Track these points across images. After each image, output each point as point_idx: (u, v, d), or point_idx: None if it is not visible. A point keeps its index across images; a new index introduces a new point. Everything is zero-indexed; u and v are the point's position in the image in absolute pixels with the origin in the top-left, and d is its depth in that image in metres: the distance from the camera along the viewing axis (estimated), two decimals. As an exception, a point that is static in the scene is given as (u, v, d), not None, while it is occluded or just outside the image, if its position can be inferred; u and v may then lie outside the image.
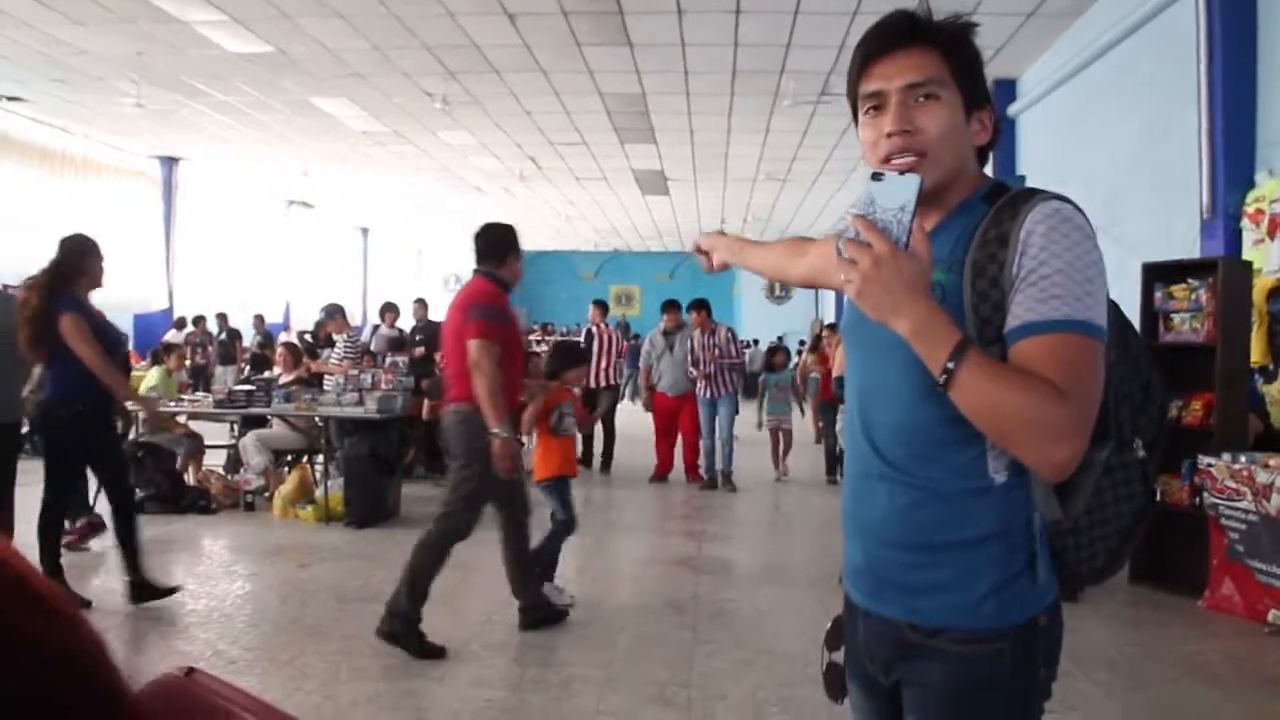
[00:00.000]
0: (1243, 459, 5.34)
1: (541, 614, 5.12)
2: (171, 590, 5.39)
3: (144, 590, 5.28)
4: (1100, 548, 1.53)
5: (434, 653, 4.58)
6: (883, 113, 1.52)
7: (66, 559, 5.51)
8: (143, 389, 9.01)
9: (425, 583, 4.70)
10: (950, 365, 1.32)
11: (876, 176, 1.38)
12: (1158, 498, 1.58)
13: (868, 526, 1.59)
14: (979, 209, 1.49)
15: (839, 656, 1.77)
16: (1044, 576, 1.49)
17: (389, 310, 13.76)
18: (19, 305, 5.21)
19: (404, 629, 4.60)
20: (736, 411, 10.05)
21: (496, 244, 5.14)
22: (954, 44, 1.52)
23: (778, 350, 11.47)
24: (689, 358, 10.01)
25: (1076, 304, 1.35)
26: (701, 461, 10.17)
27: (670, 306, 10.57)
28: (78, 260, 5.27)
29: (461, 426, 4.79)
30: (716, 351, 9.86)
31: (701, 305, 10.14)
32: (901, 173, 1.38)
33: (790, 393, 11.21)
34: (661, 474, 10.57)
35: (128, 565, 5.29)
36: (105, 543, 6.37)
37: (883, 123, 1.52)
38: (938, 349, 1.34)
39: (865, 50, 1.56)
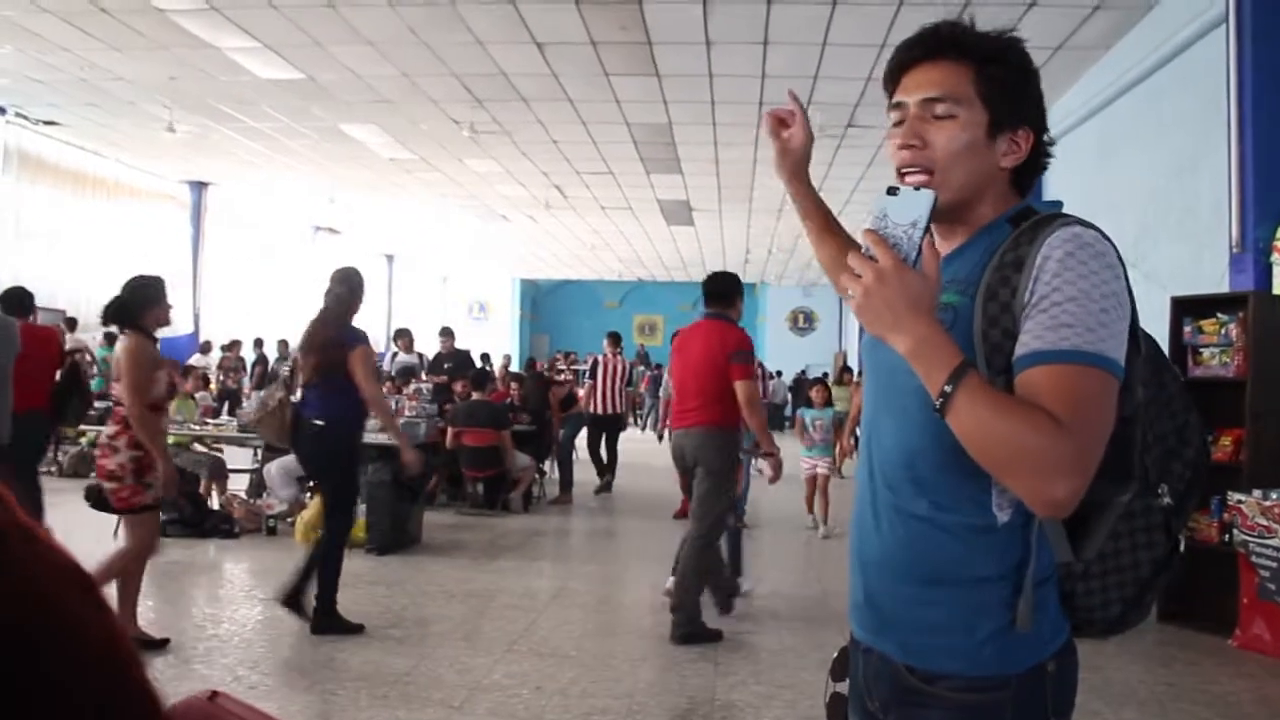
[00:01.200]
0: (1274, 495, 5.28)
1: (694, 629, 5.45)
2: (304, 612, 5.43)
3: (294, 600, 5.39)
4: (1114, 596, 1.46)
5: (716, 636, 5.43)
6: (903, 125, 1.49)
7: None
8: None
9: (713, 580, 5.68)
10: (948, 388, 1.26)
11: (892, 190, 1.35)
12: (1182, 548, 1.49)
13: (868, 559, 1.54)
14: (1003, 231, 1.44)
15: (843, 688, 1.71)
16: (1030, 619, 1.40)
17: (401, 336, 13.80)
18: (309, 335, 5.64)
19: (699, 627, 5.44)
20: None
21: (728, 289, 5.78)
22: (990, 60, 1.47)
23: (815, 383, 10.10)
24: None
25: (1089, 334, 1.28)
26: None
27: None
28: (360, 294, 5.73)
29: (714, 446, 5.53)
30: None
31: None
32: (917, 188, 1.35)
33: (833, 434, 9.72)
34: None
35: (299, 580, 5.44)
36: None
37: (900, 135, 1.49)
38: (936, 370, 1.28)
39: (895, 61, 1.53)
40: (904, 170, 1.46)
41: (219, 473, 8.98)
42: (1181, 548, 1.50)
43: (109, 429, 4.90)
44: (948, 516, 1.42)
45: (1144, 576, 1.44)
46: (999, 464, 1.27)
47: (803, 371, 25.65)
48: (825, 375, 18.08)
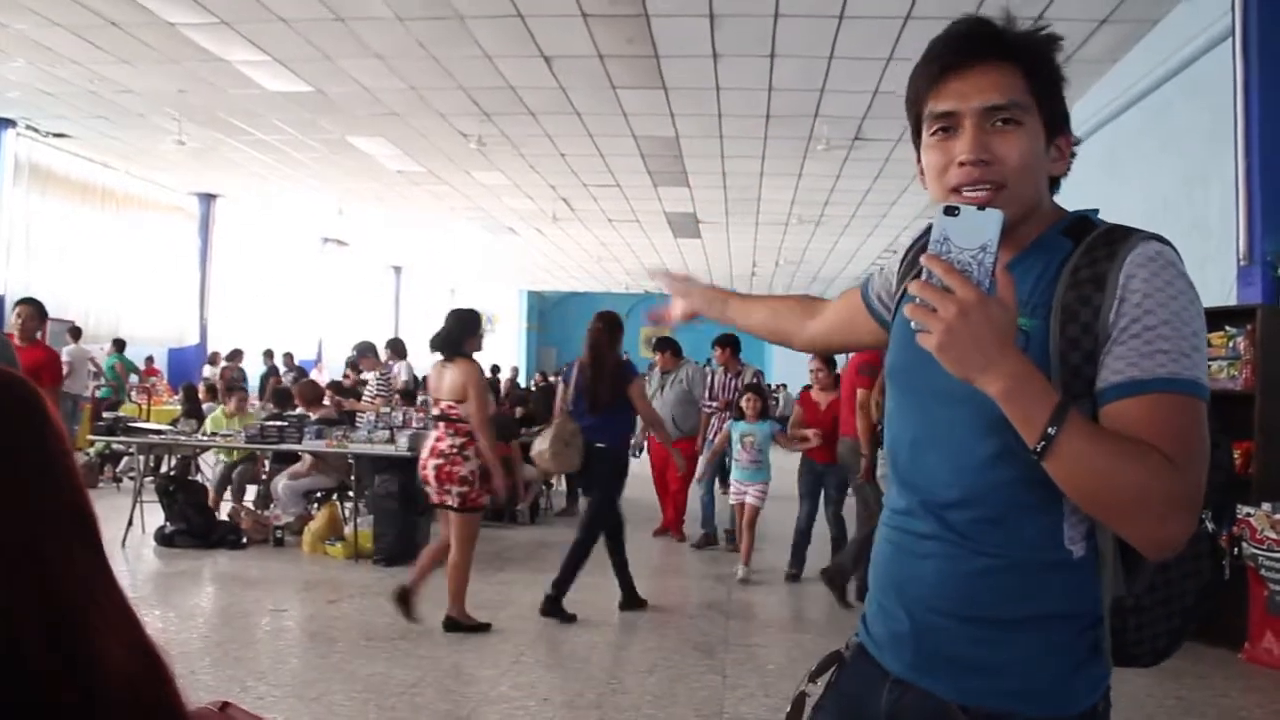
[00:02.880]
0: (1283, 509, 5.26)
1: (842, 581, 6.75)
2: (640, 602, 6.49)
3: (632, 598, 6.50)
4: (1163, 628, 1.39)
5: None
6: (953, 136, 1.35)
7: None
8: (209, 428, 9.21)
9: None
10: (1051, 430, 1.16)
11: (951, 211, 1.21)
12: (1226, 575, 1.42)
13: (914, 591, 1.42)
14: (1060, 245, 1.34)
15: (812, 689, 1.61)
16: (1105, 659, 1.35)
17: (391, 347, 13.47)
18: (594, 374, 6.37)
19: (842, 579, 6.72)
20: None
21: None
22: (1040, 60, 1.37)
23: (747, 391, 8.12)
24: (707, 395, 9.30)
25: (1185, 360, 1.20)
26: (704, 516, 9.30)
27: (664, 345, 9.59)
28: (620, 333, 6.56)
29: (854, 452, 6.91)
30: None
31: (729, 342, 9.39)
32: (980, 207, 1.22)
33: (768, 454, 7.87)
34: (665, 528, 9.64)
35: (619, 579, 6.48)
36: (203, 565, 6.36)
37: (953, 147, 1.34)
38: (1037, 412, 1.17)
39: (940, 62, 1.37)
40: (963, 188, 1.33)
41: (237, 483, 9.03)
42: (1226, 574, 1.44)
43: (457, 440, 5.63)
44: (1018, 553, 1.33)
45: (1189, 606, 1.38)
46: (1111, 507, 1.19)
47: (807, 388, 25.50)
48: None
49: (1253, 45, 6.20)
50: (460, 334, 5.78)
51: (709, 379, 9.43)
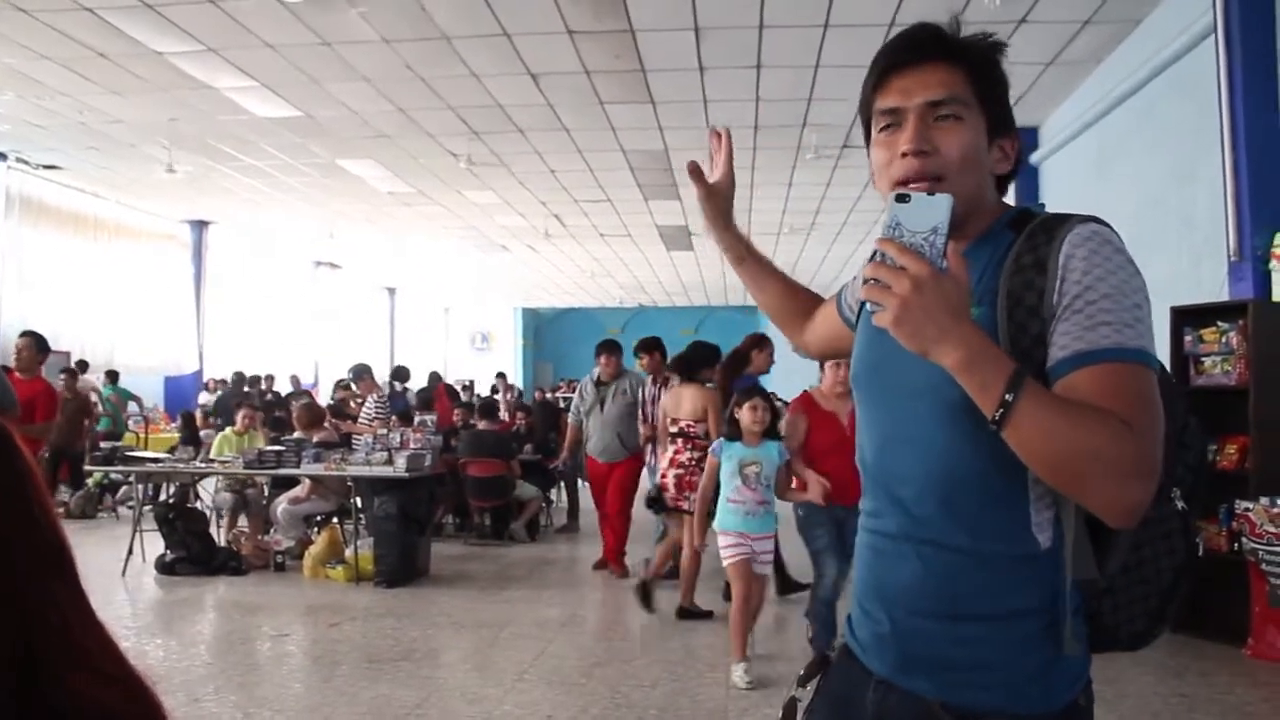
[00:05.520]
0: (1281, 503, 5.26)
1: None
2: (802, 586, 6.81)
3: (788, 584, 7.13)
4: (1139, 610, 1.39)
5: None
6: (898, 131, 1.40)
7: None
8: (217, 447, 9.20)
9: None
10: (1009, 397, 1.17)
11: (902, 198, 1.25)
12: (1200, 552, 1.41)
13: (891, 592, 1.43)
14: (1004, 237, 1.38)
15: (802, 693, 1.62)
16: (1078, 647, 1.35)
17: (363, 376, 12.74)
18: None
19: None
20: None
21: None
22: (981, 63, 1.41)
23: (750, 394, 5.42)
24: (640, 412, 7.95)
25: (1128, 330, 1.23)
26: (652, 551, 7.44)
27: (607, 349, 8.40)
28: (749, 350, 7.23)
29: None
30: None
31: (655, 347, 8.11)
32: (930, 192, 1.26)
33: (781, 487, 5.35)
34: (605, 559, 8.15)
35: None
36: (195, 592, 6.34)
37: (898, 142, 1.39)
38: (993, 380, 1.18)
39: (884, 63, 1.43)
40: (909, 180, 1.36)
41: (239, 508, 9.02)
42: (1200, 552, 1.45)
43: (695, 454, 6.46)
44: (988, 546, 1.34)
45: (1166, 586, 1.38)
46: (1072, 474, 1.20)
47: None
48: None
49: (1235, 41, 6.24)
50: (696, 360, 6.89)
51: (643, 392, 8.06)
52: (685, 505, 6.32)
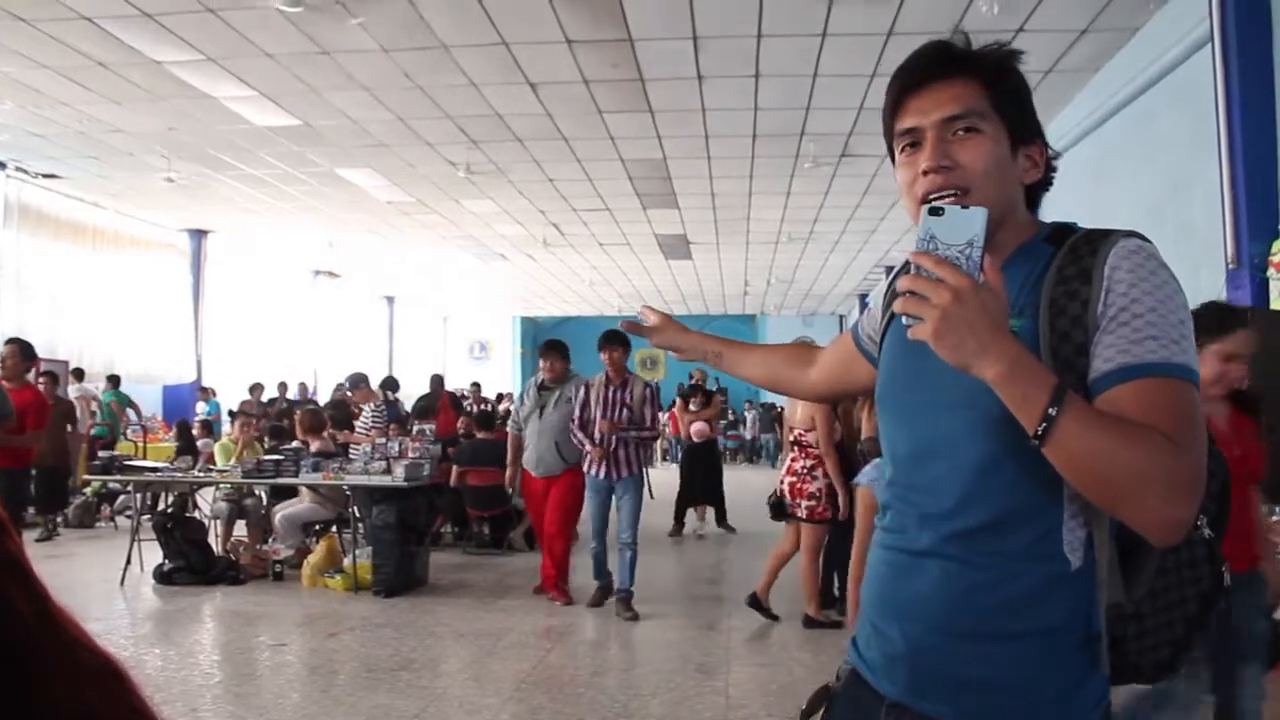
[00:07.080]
0: (1281, 511, 5.25)
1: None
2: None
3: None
4: (1164, 637, 1.38)
5: None
6: (919, 150, 1.40)
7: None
8: (219, 462, 9.23)
9: None
10: (1052, 411, 1.14)
11: (935, 211, 1.23)
12: (1226, 581, 1.39)
13: (909, 609, 1.39)
14: (1043, 251, 1.37)
15: None
16: (1104, 670, 1.32)
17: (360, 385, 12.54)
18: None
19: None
20: (640, 503, 7.29)
21: None
22: (995, 73, 1.40)
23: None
24: (575, 419, 7.16)
25: (1174, 346, 1.21)
26: (593, 570, 7.36)
27: (549, 350, 7.78)
28: None
29: None
30: (625, 414, 7.07)
31: (619, 342, 7.21)
32: (964, 205, 1.24)
33: None
34: (545, 586, 7.52)
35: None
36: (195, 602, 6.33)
37: (919, 161, 1.39)
38: (1035, 393, 1.16)
39: (898, 85, 1.44)
40: (933, 196, 1.35)
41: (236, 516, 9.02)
42: (1226, 581, 1.42)
43: (807, 463, 6.48)
44: (1019, 565, 1.31)
45: (1191, 614, 1.37)
46: (1115, 490, 1.16)
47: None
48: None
49: (1231, 49, 6.25)
50: None
51: (582, 393, 7.22)
52: (800, 512, 6.47)
